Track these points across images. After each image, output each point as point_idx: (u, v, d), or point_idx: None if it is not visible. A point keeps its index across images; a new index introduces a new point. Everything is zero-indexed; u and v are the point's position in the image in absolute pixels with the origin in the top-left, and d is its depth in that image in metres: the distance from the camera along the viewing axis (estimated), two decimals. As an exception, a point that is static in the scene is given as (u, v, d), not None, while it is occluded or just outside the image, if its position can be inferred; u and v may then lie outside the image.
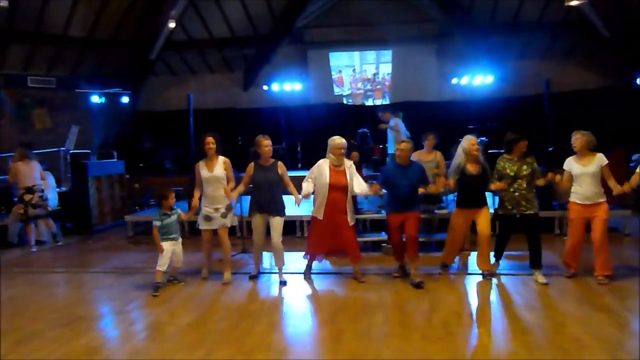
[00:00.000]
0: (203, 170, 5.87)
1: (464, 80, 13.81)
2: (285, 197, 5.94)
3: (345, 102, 15.34)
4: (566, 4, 11.19)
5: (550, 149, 10.49)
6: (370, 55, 15.26)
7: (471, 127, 11.58)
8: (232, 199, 5.86)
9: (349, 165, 5.78)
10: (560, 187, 5.72)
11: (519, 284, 5.61)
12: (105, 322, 4.93)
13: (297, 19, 14.20)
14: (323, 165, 5.72)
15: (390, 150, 10.19)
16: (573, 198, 5.58)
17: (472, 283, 5.76)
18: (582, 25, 12.69)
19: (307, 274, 6.04)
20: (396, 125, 9.93)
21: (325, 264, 6.60)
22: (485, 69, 13.70)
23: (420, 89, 14.57)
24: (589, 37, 12.98)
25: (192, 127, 8.55)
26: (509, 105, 13.33)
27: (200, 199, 5.94)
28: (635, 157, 9.22)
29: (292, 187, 5.90)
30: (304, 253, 6.00)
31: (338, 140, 5.73)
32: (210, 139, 5.85)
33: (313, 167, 5.79)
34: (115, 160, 10.99)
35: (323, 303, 5.24)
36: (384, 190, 5.82)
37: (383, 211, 6.64)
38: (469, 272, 6.15)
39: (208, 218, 5.87)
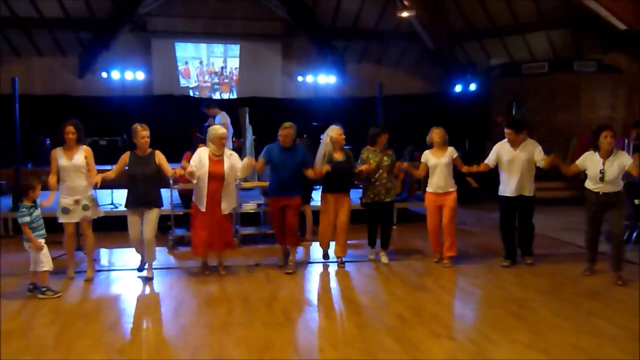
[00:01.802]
0: (61, 159, 5.43)
1: (309, 79, 14.46)
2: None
3: (191, 94, 15.05)
4: (397, 15, 12.34)
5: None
6: (218, 48, 15.18)
7: (315, 124, 12.20)
8: (96, 182, 5.44)
9: (229, 154, 5.78)
10: (415, 175, 6.43)
11: (356, 270, 6.14)
12: None
13: (140, 5, 13.57)
14: (203, 154, 5.67)
15: None
16: (429, 189, 6.24)
17: (314, 271, 6.13)
18: (412, 36, 14.10)
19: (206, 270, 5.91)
20: (224, 123, 9.30)
21: (169, 259, 6.52)
22: (328, 69, 14.51)
23: (266, 86, 14.88)
24: (416, 47, 14.45)
25: (17, 114, 7.73)
26: (349, 105, 14.26)
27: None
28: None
29: (173, 171, 5.74)
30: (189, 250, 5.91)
31: (220, 131, 5.72)
32: (70, 129, 5.45)
33: (194, 156, 5.73)
34: None
35: (166, 298, 5.19)
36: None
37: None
38: (311, 261, 6.54)
39: (66, 210, 5.44)
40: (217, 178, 5.62)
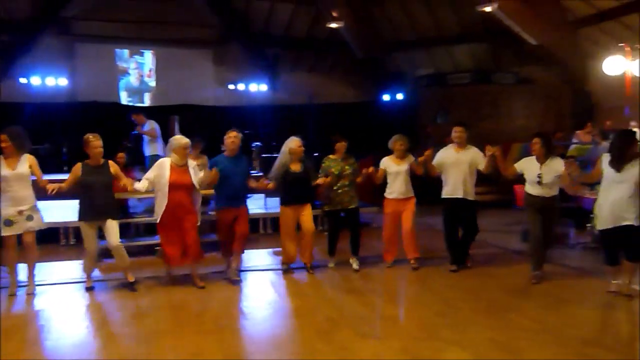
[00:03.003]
0: (3, 169, 5.16)
1: (241, 87, 14.44)
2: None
3: (120, 101, 14.59)
4: (327, 25, 12.62)
5: (315, 154, 11.66)
6: (147, 54, 14.83)
7: (247, 132, 12.17)
8: (53, 189, 5.21)
9: (193, 165, 5.68)
10: (375, 179, 6.40)
11: (283, 276, 6.18)
12: None
13: (64, 7, 13.04)
14: (164, 164, 5.53)
15: (147, 153, 9.39)
16: (389, 195, 6.36)
17: (250, 279, 6.10)
18: (343, 46, 14.42)
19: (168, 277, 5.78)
20: (152, 130, 9.28)
21: (94, 271, 6.31)
22: (260, 77, 14.55)
23: (197, 93, 14.68)
24: (347, 56, 14.79)
25: None
26: (281, 113, 14.34)
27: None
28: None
29: (127, 180, 5.56)
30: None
31: (183, 140, 5.61)
32: (2, 137, 5.19)
33: (153, 166, 5.59)
34: None
35: (92, 312, 5.03)
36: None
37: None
38: (249, 269, 6.48)
39: (9, 222, 5.16)
40: (181, 188, 5.50)
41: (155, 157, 8.27)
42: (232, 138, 5.83)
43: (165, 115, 10.30)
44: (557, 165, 5.58)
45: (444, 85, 14.28)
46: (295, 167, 6.05)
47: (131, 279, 5.60)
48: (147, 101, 14.84)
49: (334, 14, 12.21)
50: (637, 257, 4.99)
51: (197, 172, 5.70)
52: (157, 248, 6.98)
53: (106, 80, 14.38)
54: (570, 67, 12.95)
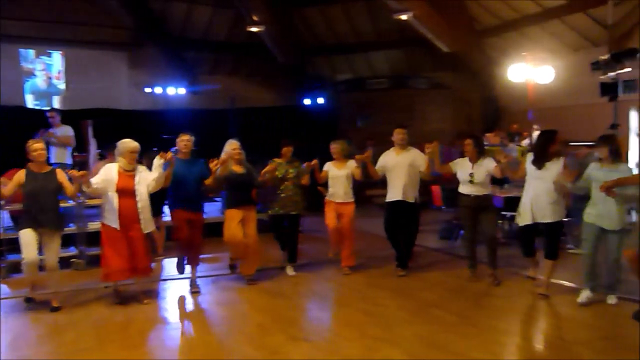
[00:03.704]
0: None
1: (158, 90, 13.98)
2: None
3: (25, 105, 13.62)
4: (248, 28, 12.56)
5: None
6: (55, 55, 13.98)
7: (165, 137, 11.79)
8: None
9: (141, 170, 5.37)
10: (317, 179, 6.49)
11: (212, 284, 6.10)
12: None
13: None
14: (111, 169, 5.21)
15: (53, 160, 8.25)
16: (329, 197, 6.50)
17: (171, 288, 5.95)
18: (263, 50, 14.40)
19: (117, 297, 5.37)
20: (67, 137, 8.51)
21: (3, 288, 5.86)
22: (179, 80, 14.18)
23: (111, 96, 14.04)
24: (268, 61, 14.79)
25: None
26: (201, 117, 14.03)
27: None
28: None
29: (72, 187, 5.23)
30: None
31: (132, 144, 5.29)
32: None
33: (100, 172, 5.27)
34: None
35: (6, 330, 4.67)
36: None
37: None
38: (165, 277, 6.34)
39: None
40: (129, 194, 5.21)
41: (63, 166, 7.77)
42: (184, 141, 5.77)
43: (76, 120, 9.73)
44: (488, 165, 5.83)
45: (363, 90, 14.67)
46: (238, 169, 6.01)
47: (55, 304, 5.16)
48: (56, 104, 13.96)
49: (255, 18, 12.17)
50: (554, 255, 5.29)
51: (148, 175, 5.42)
52: (73, 260, 6.66)
53: (10, 82, 13.38)
54: (478, 74, 13.77)
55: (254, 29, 12.41)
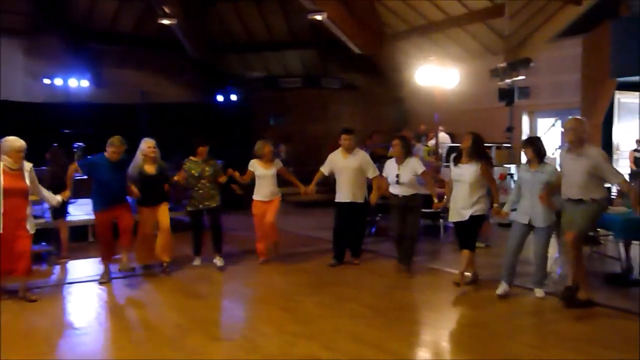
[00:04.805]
0: None
1: (58, 82, 13.12)
2: None
3: None
4: (158, 21, 12.15)
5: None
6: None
7: (67, 131, 11.11)
8: None
9: (28, 169, 5.07)
10: (241, 180, 6.47)
11: (131, 283, 5.88)
12: None
13: None
14: None
15: None
16: (256, 197, 6.54)
17: (76, 291, 5.64)
18: (175, 44, 14.00)
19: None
20: None
21: None
22: (82, 72, 13.39)
23: (4, 87, 12.96)
24: (180, 55, 14.40)
25: None
26: (106, 112, 13.37)
27: None
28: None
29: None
30: None
31: (18, 143, 4.99)
32: None
33: None
34: None
35: None
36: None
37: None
38: (70, 281, 6.00)
39: None
40: (15, 194, 4.94)
41: None
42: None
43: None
44: (414, 165, 6.06)
45: (276, 88, 14.72)
46: (150, 169, 6.05)
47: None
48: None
49: (167, 10, 11.81)
50: (467, 245, 5.56)
51: (35, 178, 5.21)
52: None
53: None
54: (388, 76, 14.32)
55: (165, 22, 12.05)
